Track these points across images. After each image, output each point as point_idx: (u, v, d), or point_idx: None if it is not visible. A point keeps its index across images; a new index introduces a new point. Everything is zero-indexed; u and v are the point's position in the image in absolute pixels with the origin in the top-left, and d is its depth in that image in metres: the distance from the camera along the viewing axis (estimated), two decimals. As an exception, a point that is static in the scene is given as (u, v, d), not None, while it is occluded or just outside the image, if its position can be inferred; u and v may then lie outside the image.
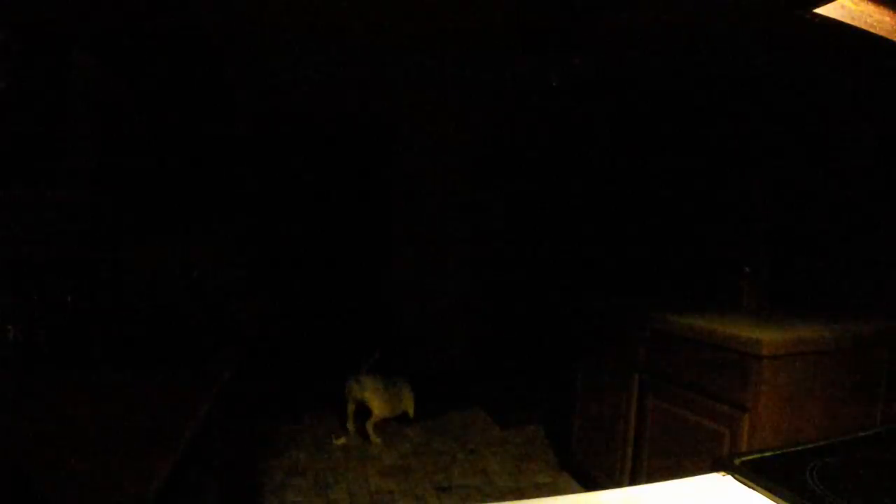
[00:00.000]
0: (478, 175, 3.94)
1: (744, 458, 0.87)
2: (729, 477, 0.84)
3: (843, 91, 2.17)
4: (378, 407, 3.18)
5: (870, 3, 0.96)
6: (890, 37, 0.98)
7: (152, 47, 2.32)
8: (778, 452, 0.90)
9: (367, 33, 2.40)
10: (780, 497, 0.76)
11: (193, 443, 1.04)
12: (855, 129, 2.15)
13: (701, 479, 0.84)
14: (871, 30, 0.97)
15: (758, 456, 0.88)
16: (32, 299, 1.52)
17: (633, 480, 2.24)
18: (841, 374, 1.82)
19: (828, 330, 1.82)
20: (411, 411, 3.36)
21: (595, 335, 2.54)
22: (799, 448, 0.92)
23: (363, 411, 3.22)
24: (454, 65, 2.92)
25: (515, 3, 1.94)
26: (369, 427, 3.14)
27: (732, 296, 2.33)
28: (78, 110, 1.84)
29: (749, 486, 0.81)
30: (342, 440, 3.13)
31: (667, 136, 3.04)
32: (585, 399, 2.61)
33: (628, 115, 3.30)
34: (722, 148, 2.70)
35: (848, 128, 2.18)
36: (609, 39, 2.25)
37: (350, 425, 3.25)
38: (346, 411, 3.23)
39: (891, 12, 0.97)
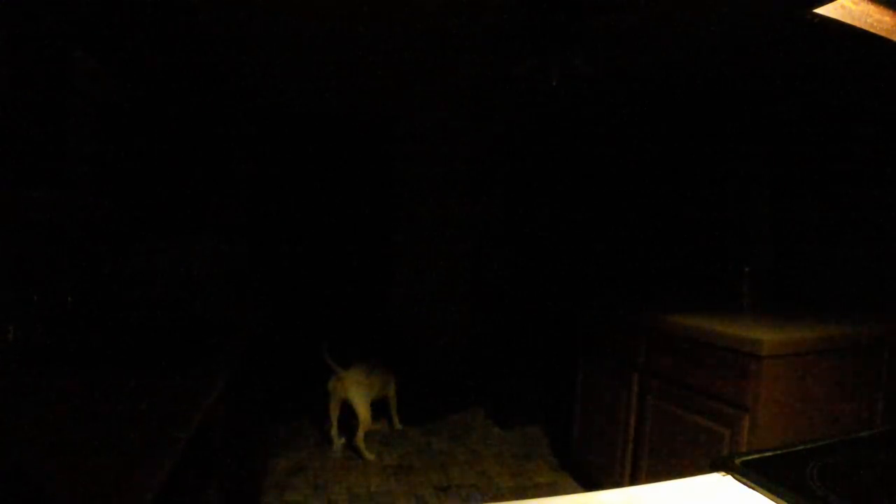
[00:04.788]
0: (479, 175, 3.94)
1: (744, 458, 0.87)
2: (729, 477, 0.84)
3: (844, 91, 2.17)
4: (363, 408, 2.99)
5: (870, 3, 0.96)
6: (890, 37, 0.98)
7: (152, 47, 2.32)
8: (778, 452, 0.90)
9: (367, 34, 2.40)
10: (780, 497, 0.76)
11: (193, 443, 1.04)
12: (855, 128, 2.15)
13: (701, 479, 0.84)
14: (871, 30, 0.97)
15: (758, 456, 0.88)
16: (32, 299, 1.52)
17: (633, 480, 2.24)
18: (841, 374, 1.82)
19: (828, 330, 1.82)
20: (394, 396, 3.28)
21: (595, 335, 2.54)
22: (799, 448, 0.92)
23: (347, 415, 3.06)
24: (455, 66, 2.92)
25: (515, 3, 1.95)
26: (359, 442, 2.97)
27: (732, 296, 2.33)
28: (78, 110, 1.84)
29: (749, 486, 0.81)
30: (342, 440, 3.13)
31: (667, 135, 3.04)
32: (585, 399, 2.61)
33: (628, 114, 3.30)
34: (722, 148, 2.70)
35: (848, 127, 2.18)
36: (608, 39, 2.25)
37: (335, 432, 3.08)
38: (331, 417, 3.06)
39: (891, 12, 0.97)
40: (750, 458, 0.87)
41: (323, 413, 3.14)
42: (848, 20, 0.96)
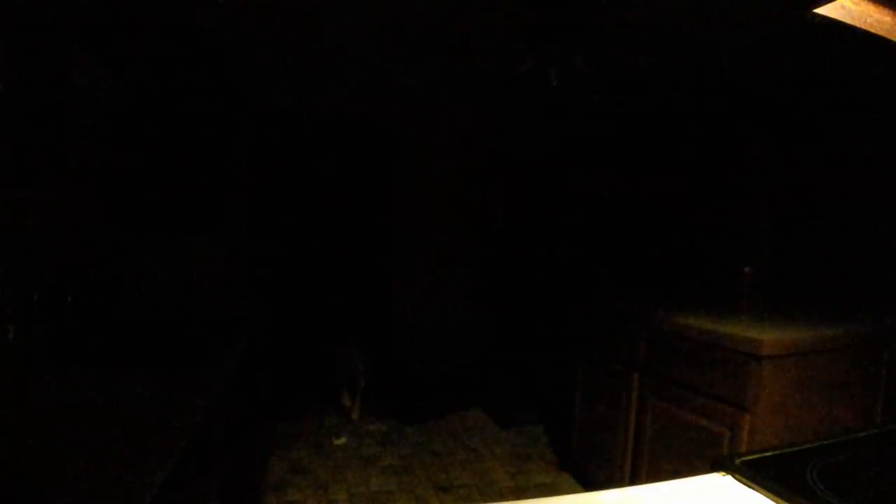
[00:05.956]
0: (479, 175, 3.93)
1: (744, 458, 0.87)
2: (729, 477, 0.84)
3: (844, 91, 2.17)
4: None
5: (870, 3, 0.96)
6: (890, 37, 0.98)
7: (153, 47, 2.32)
8: (778, 452, 0.90)
9: (368, 35, 2.40)
10: (780, 497, 0.76)
11: (193, 443, 1.04)
12: (855, 128, 2.15)
13: (701, 479, 0.84)
14: (871, 30, 0.97)
15: (758, 456, 0.88)
16: (32, 299, 1.52)
17: (633, 480, 2.24)
18: (841, 374, 1.82)
19: (828, 330, 1.82)
20: (363, 383, 3.65)
21: (595, 335, 2.54)
22: (799, 448, 0.92)
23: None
24: (456, 66, 2.93)
25: (515, 3, 1.95)
26: (358, 400, 3.47)
27: (732, 295, 2.33)
28: (78, 110, 1.84)
29: (749, 486, 0.81)
30: (342, 440, 3.13)
31: (667, 135, 3.04)
32: (585, 399, 2.61)
33: (629, 114, 3.30)
34: (722, 147, 2.70)
35: (848, 127, 2.18)
36: (607, 40, 2.25)
37: (356, 409, 3.47)
38: (345, 394, 3.51)
39: (891, 12, 0.97)
40: (750, 458, 0.87)
41: (333, 400, 3.61)
42: (848, 20, 0.96)
